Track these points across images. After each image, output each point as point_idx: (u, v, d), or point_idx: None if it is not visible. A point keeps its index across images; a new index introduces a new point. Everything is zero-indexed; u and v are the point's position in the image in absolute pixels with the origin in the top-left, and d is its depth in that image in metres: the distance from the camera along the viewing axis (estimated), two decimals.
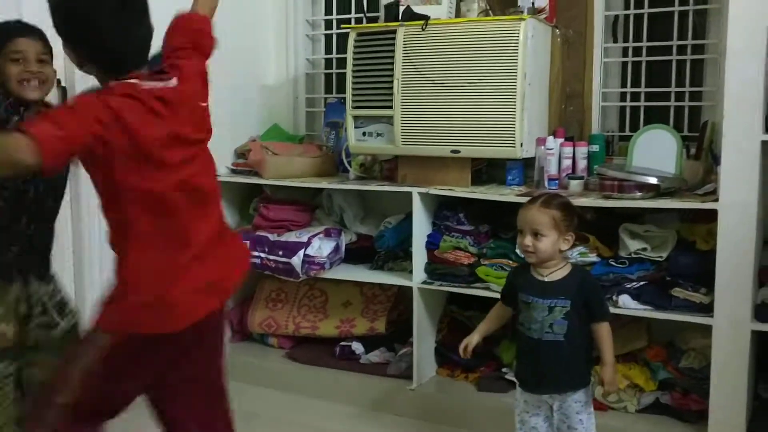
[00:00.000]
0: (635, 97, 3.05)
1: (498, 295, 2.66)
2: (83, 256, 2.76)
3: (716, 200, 2.36)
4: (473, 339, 2.22)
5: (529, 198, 2.18)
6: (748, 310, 2.34)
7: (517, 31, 2.64)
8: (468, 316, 3.00)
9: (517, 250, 2.65)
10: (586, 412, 2.09)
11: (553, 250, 2.03)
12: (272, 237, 3.14)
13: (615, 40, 3.07)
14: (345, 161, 3.21)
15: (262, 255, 3.09)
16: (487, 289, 2.74)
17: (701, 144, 2.72)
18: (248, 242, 3.14)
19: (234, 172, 3.40)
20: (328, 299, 3.30)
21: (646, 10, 2.98)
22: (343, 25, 3.35)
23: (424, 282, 2.88)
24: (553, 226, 2.01)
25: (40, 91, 1.93)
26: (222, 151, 3.43)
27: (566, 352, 2.05)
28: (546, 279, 2.07)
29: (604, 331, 2.06)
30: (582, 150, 2.83)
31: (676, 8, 2.92)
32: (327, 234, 3.13)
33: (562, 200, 2.10)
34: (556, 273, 2.07)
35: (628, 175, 2.55)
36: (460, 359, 2.96)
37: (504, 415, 2.61)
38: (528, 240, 2.03)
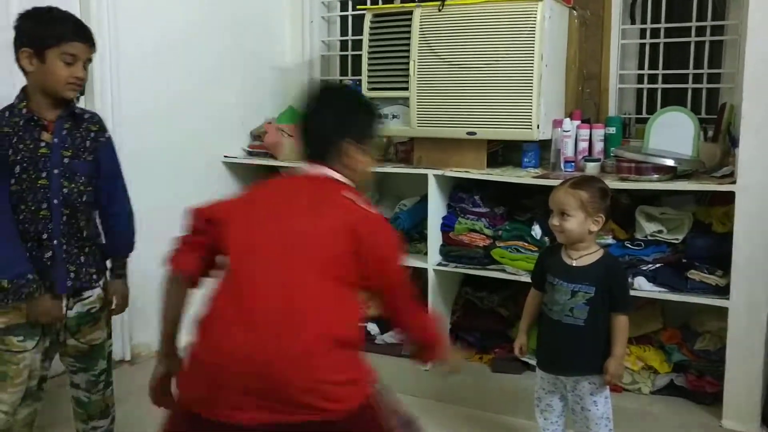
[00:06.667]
0: (653, 79, 3.03)
1: (513, 278, 2.70)
2: None
3: (734, 182, 2.35)
4: (522, 341, 2.25)
5: (559, 181, 2.19)
6: (764, 292, 2.33)
7: (534, 12, 2.63)
8: (482, 298, 3.01)
9: (533, 232, 2.67)
10: (601, 395, 2.10)
11: (581, 231, 2.05)
12: None
13: (633, 22, 3.04)
14: None
15: None
16: (502, 271, 2.75)
17: (719, 126, 2.70)
18: None
19: (250, 154, 3.41)
20: None
21: None
22: (358, 6, 3.35)
23: (439, 264, 2.90)
24: (579, 206, 2.03)
25: (77, 93, 1.98)
26: (238, 133, 3.46)
27: (585, 337, 2.06)
28: (574, 263, 2.09)
29: (621, 323, 2.07)
30: (599, 132, 2.83)
31: None
32: None
33: (594, 183, 2.12)
34: (585, 258, 2.09)
35: (644, 158, 2.54)
36: (475, 340, 3.01)
37: (518, 395, 2.63)
38: (556, 220, 2.07)
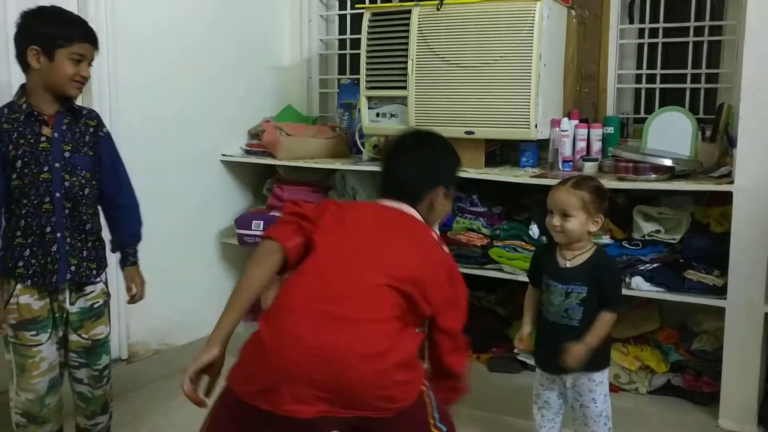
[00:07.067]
0: (651, 78, 3.03)
1: (511, 277, 2.70)
2: None
3: (731, 182, 2.35)
4: (525, 330, 2.20)
5: (559, 180, 2.18)
6: (761, 292, 2.33)
7: (532, 12, 2.62)
8: (479, 297, 3.01)
9: (531, 231, 2.67)
10: (600, 393, 2.10)
11: (582, 231, 2.05)
12: None
13: (631, 21, 3.04)
14: (358, 142, 3.21)
15: None
16: (500, 270, 2.74)
17: (717, 126, 2.70)
18: (262, 222, 3.17)
19: (248, 152, 3.41)
20: None
21: None
22: (357, 5, 3.34)
23: None
24: (581, 207, 2.03)
25: (80, 92, 2.03)
26: (236, 131, 3.45)
27: (581, 337, 2.05)
28: (567, 264, 2.08)
29: (604, 318, 2.04)
30: (597, 132, 2.82)
31: None
32: None
33: (593, 183, 2.12)
34: (579, 257, 2.08)
35: (642, 157, 2.54)
36: (472, 339, 3.00)
37: (515, 395, 2.63)
38: (557, 220, 2.05)
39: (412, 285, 1.55)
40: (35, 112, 1.96)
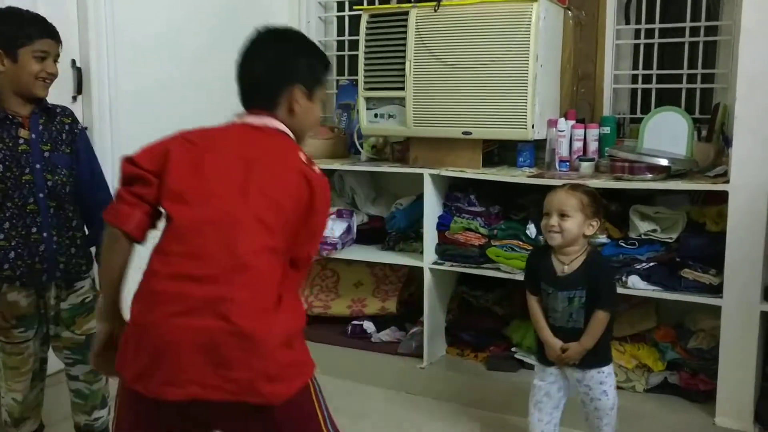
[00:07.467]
0: (647, 79, 3.04)
1: (508, 276, 2.71)
2: None
3: (727, 182, 2.36)
4: (557, 344, 2.13)
5: (554, 181, 2.22)
6: (757, 291, 2.35)
7: (529, 13, 2.64)
8: (477, 297, 3.02)
9: (528, 231, 2.69)
10: (610, 385, 2.14)
11: (578, 233, 2.08)
12: None
13: (627, 22, 3.06)
14: (357, 143, 3.22)
15: None
16: (498, 269, 2.76)
17: (712, 126, 2.72)
18: None
19: None
20: (340, 279, 3.34)
21: None
22: (355, 7, 3.35)
23: (435, 263, 2.91)
24: (579, 208, 2.07)
25: (48, 90, 2.01)
26: None
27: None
28: (565, 269, 2.11)
29: (598, 316, 2.08)
30: (593, 132, 2.84)
31: None
32: (339, 215, 3.15)
33: (589, 188, 2.17)
34: (575, 262, 2.11)
35: (639, 157, 2.56)
36: (471, 339, 3.02)
37: (513, 393, 2.65)
38: (554, 220, 2.08)
39: (283, 226, 1.41)
40: (10, 116, 1.96)
